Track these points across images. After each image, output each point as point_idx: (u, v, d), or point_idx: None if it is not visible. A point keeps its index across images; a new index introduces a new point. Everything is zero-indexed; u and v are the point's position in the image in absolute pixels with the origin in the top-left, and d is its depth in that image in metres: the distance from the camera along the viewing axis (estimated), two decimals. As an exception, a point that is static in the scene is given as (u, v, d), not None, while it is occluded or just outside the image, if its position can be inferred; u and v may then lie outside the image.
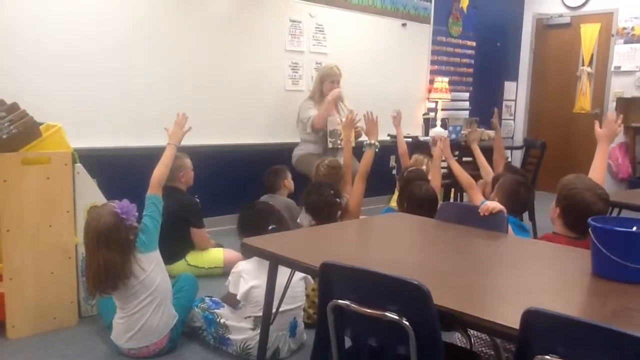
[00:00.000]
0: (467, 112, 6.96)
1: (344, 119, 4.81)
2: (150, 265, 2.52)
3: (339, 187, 3.45)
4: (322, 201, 3.13)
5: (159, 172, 2.70)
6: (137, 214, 2.50)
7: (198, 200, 3.88)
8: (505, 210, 2.32)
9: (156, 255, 2.58)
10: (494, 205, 2.33)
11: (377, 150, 3.57)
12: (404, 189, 3.36)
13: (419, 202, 3.04)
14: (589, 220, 1.65)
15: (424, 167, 4.01)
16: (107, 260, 2.37)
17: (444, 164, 3.81)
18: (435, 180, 3.57)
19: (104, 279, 2.40)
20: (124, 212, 2.42)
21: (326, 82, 4.89)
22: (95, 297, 2.63)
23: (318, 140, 4.84)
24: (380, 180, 5.63)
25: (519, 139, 7.50)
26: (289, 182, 4.38)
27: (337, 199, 3.22)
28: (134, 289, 2.48)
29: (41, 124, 2.96)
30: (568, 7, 7.27)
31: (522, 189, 3.03)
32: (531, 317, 1.21)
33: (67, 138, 2.96)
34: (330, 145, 4.79)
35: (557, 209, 2.28)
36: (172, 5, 4.44)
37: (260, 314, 2.34)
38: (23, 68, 3.78)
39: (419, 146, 5.06)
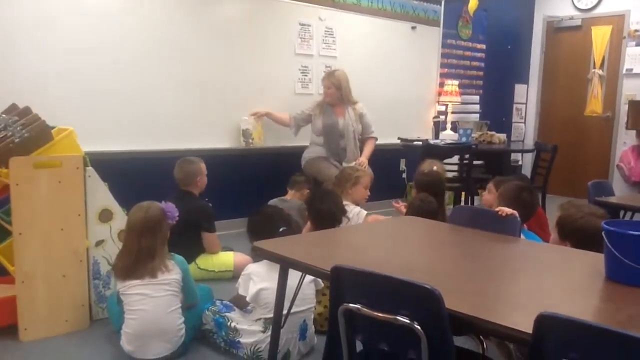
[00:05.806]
0: (478, 115, 6.93)
1: (350, 122, 4.83)
2: (175, 269, 2.63)
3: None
4: (336, 209, 3.17)
5: None
6: (177, 216, 2.72)
7: (210, 204, 3.89)
8: (517, 214, 2.31)
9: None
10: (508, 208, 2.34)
11: None
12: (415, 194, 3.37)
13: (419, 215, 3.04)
14: (602, 223, 1.63)
15: None
16: (148, 246, 2.56)
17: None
18: None
19: (142, 263, 2.54)
20: (169, 211, 2.68)
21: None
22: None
23: (326, 143, 4.84)
24: (390, 183, 5.64)
25: (529, 143, 7.45)
26: (293, 194, 4.49)
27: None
28: (157, 281, 2.56)
29: (53, 127, 2.98)
30: (579, 9, 7.23)
31: (525, 194, 2.99)
32: (544, 322, 1.20)
33: (78, 142, 2.98)
34: (243, 145, 4.79)
35: (567, 242, 2.24)
36: (182, 10, 4.46)
37: (270, 315, 2.34)
38: (35, 73, 3.81)
39: (430, 149, 5.04)
